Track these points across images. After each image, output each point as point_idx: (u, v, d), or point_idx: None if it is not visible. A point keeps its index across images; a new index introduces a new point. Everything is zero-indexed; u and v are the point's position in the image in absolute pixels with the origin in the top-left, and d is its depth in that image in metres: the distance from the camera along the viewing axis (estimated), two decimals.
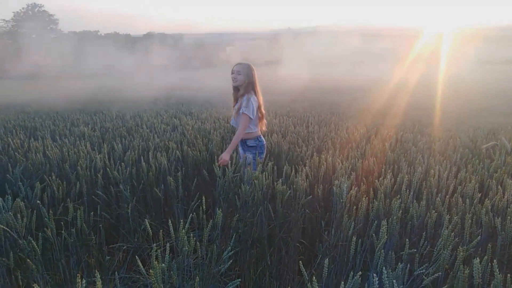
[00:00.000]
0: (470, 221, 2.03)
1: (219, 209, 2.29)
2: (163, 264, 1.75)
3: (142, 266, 1.69)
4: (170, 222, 2.06)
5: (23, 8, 42.73)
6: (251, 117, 3.38)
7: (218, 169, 3.07)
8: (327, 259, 1.75)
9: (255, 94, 3.48)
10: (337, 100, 10.83)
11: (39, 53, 35.01)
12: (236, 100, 3.54)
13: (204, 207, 2.36)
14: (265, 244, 2.84)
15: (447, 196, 2.47)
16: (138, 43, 41.53)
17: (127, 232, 3.08)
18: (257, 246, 2.87)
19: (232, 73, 3.45)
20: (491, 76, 21.98)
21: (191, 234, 1.95)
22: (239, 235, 2.80)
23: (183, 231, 1.92)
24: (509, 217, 2.07)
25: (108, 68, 32.96)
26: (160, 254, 1.78)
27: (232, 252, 2.24)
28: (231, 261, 2.26)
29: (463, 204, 2.37)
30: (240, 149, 3.67)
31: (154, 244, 1.73)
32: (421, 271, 1.92)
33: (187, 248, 1.89)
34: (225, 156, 3.33)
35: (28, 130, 5.56)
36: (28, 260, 2.01)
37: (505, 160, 3.39)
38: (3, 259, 2.06)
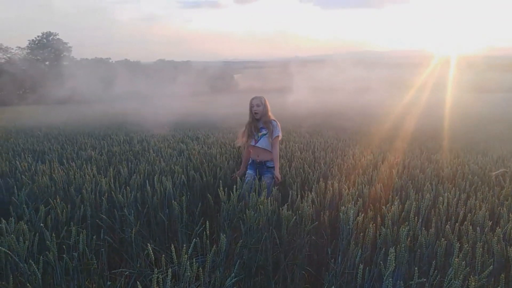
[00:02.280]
0: (481, 249, 1.97)
1: (222, 235, 2.25)
2: None
3: None
4: (172, 247, 2.02)
5: (38, 36, 44.17)
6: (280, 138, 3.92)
7: (223, 194, 3.05)
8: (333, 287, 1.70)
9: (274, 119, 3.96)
10: (344, 125, 10.83)
11: (52, 80, 35.90)
12: (255, 128, 3.92)
13: (207, 232, 2.32)
14: (270, 271, 2.78)
15: (457, 224, 2.40)
16: (149, 70, 42.40)
17: (130, 257, 3.03)
18: (262, 273, 2.80)
19: (252, 106, 3.86)
20: (500, 103, 21.92)
21: (194, 260, 1.91)
22: (243, 262, 2.74)
23: (185, 256, 1.88)
24: None
25: (120, 94, 33.54)
26: (161, 280, 1.74)
27: (236, 279, 2.18)
28: None
29: (474, 232, 2.30)
30: (250, 170, 3.92)
31: (155, 269, 1.69)
32: None
33: (189, 274, 1.84)
34: (278, 174, 3.81)
35: (36, 153, 5.62)
36: (28, 284, 1.98)
37: None
38: (3, 283, 2.03)
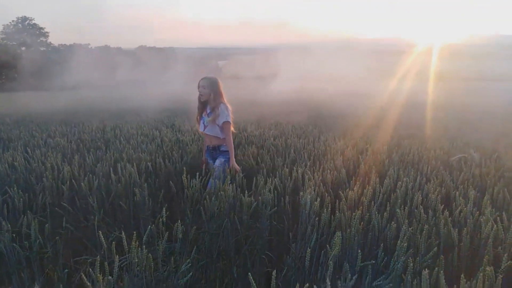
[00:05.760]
0: (426, 232, 2.03)
1: (179, 221, 2.25)
2: (110, 277, 1.71)
3: (86, 280, 1.65)
4: (123, 234, 2.02)
5: (13, 21, 42.56)
6: (231, 123, 3.63)
7: (185, 180, 3.04)
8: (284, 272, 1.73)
9: (225, 102, 3.66)
10: (323, 114, 10.89)
11: (28, 66, 34.89)
12: (204, 112, 3.73)
13: (163, 219, 2.32)
14: (232, 256, 2.80)
15: (407, 207, 2.47)
16: (130, 57, 41.53)
17: (93, 245, 3.01)
18: (224, 259, 2.83)
19: (198, 87, 3.62)
20: (478, 92, 22.40)
21: (144, 248, 1.91)
22: (205, 247, 2.76)
23: (135, 243, 1.88)
24: (465, 229, 2.07)
25: (98, 81, 32.84)
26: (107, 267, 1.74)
27: (190, 265, 2.20)
28: (190, 274, 2.22)
29: (425, 216, 2.37)
30: (209, 159, 3.79)
31: (97, 256, 1.69)
32: (378, 283, 1.90)
33: (137, 260, 1.85)
34: (235, 165, 3.61)
35: (1, 141, 5.48)
36: None
37: (473, 172, 3.42)
38: None
